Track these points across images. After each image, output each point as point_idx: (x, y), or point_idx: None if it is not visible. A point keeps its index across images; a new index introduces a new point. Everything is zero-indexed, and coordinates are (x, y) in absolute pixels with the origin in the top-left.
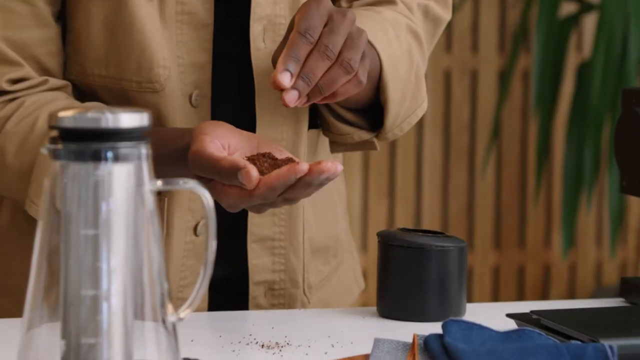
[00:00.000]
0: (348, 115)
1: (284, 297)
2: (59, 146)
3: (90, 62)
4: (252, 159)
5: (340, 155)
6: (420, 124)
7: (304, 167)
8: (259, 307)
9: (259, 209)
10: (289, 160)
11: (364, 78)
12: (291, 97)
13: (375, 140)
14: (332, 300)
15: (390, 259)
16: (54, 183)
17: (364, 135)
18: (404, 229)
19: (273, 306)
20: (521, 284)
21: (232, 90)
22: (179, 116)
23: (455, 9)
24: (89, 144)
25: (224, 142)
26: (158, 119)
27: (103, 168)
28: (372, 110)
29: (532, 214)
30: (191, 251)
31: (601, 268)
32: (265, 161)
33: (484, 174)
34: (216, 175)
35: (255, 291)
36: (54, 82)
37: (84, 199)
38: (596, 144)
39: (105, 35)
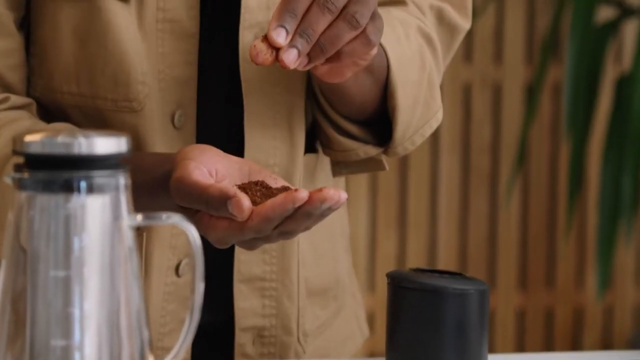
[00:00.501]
0: (352, 128)
1: (274, 346)
2: (25, 175)
3: (59, 77)
4: (243, 188)
5: (342, 180)
6: (435, 144)
7: (303, 194)
8: (246, 356)
9: (251, 245)
10: (284, 189)
11: (374, 37)
12: (290, 57)
13: (383, 157)
14: (331, 350)
15: (401, 303)
16: (19, 217)
17: (371, 150)
18: (417, 269)
19: (262, 356)
20: (550, 329)
21: (219, 109)
22: (160, 139)
23: (476, 14)
24: (59, 172)
25: (210, 168)
26: (136, 142)
27: (75, 200)
28: (379, 124)
29: (563, 249)
30: (172, 294)
31: None
32: (257, 190)
33: (508, 202)
34: (203, 205)
35: (242, 338)
36: (15, 99)
37: (53, 235)
38: (636, 170)
39: (75, 46)
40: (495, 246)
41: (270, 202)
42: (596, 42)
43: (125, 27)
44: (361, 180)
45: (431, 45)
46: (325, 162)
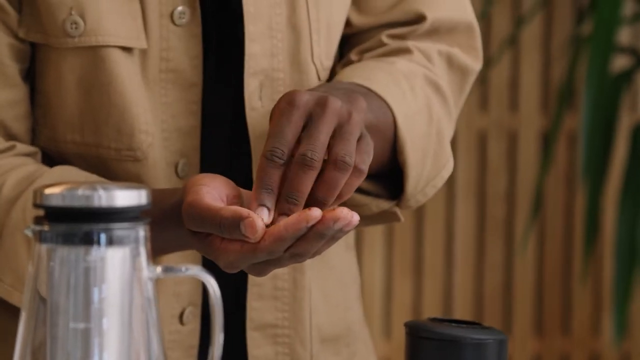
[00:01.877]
0: (364, 184)
1: None
2: (45, 227)
3: (63, 127)
4: None
5: (352, 235)
6: (451, 193)
7: (316, 213)
8: None
9: (262, 270)
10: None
11: (364, 166)
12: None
13: (397, 209)
14: None
15: (419, 353)
16: (38, 269)
17: (383, 204)
18: (434, 319)
19: None
20: None
21: (224, 157)
22: (163, 188)
23: (492, 62)
24: (79, 225)
25: (221, 193)
26: None
27: (95, 252)
28: (390, 176)
29: (579, 296)
30: (176, 342)
31: None
32: None
33: (524, 250)
34: (215, 227)
35: None
36: (21, 148)
37: (73, 287)
38: None
39: (79, 97)
40: (511, 293)
41: (283, 222)
42: (611, 90)
43: (129, 77)
44: (377, 228)
45: (439, 94)
46: None
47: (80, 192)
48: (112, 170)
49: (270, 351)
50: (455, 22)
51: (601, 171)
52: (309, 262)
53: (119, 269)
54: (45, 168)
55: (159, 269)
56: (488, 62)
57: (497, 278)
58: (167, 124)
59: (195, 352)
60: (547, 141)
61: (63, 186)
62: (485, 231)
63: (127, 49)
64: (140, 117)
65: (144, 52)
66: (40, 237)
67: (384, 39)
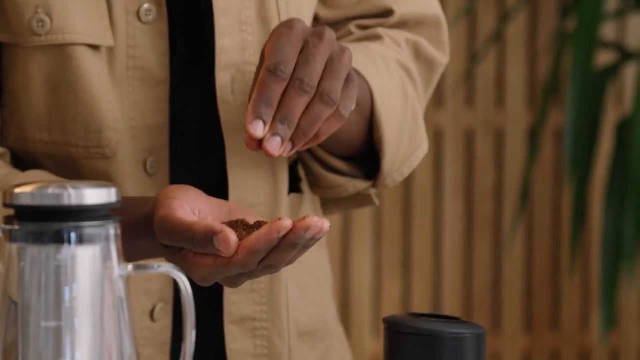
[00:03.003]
0: (339, 164)
1: None
2: (16, 227)
3: (31, 126)
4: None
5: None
6: (439, 190)
7: (287, 223)
8: None
9: (235, 282)
10: (264, 224)
11: (345, 112)
12: (274, 145)
13: (372, 192)
14: None
15: (398, 348)
16: (9, 268)
17: (360, 184)
18: (414, 314)
19: None
20: None
21: (194, 154)
22: (133, 185)
23: (478, 59)
24: (49, 224)
25: (193, 207)
26: None
27: (66, 251)
28: (366, 158)
29: (567, 291)
30: (148, 339)
31: None
32: (239, 227)
33: (512, 246)
34: (188, 242)
35: None
36: None
37: (44, 286)
38: (638, 212)
39: (47, 95)
40: (500, 289)
41: (255, 235)
42: (596, 86)
43: (96, 74)
44: (365, 225)
45: (411, 77)
46: (309, 202)
47: (50, 190)
48: (81, 169)
49: (249, 345)
50: (422, 15)
51: (587, 166)
52: None
53: (89, 268)
54: (17, 172)
55: (130, 267)
56: (474, 59)
57: (486, 274)
58: (135, 122)
59: (167, 349)
60: (534, 137)
61: (33, 185)
62: (473, 228)
63: (94, 47)
64: (109, 114)
65: (110, 50)
66: (11, 237)
67: (353, 29)
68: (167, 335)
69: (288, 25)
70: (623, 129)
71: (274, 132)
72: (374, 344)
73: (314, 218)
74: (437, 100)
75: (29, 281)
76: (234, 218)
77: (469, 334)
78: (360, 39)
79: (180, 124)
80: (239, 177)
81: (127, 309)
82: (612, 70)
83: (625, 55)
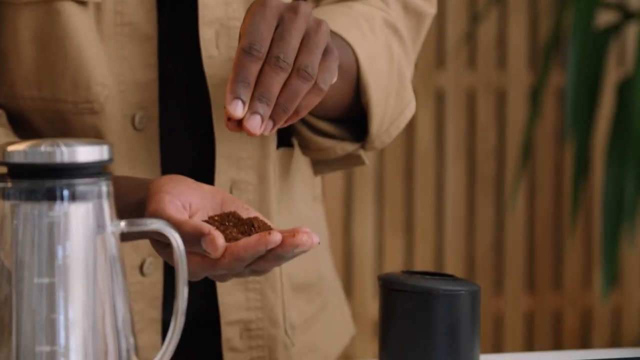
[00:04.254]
0: (327, 127)
1: (262, 339)
2: (8, 184)
3: (20, 83)
4: (215, 220)
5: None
6: (440, 150)
7: (276, 238)
8: (234, 350)
9: (223, 278)
10: (255, 220)
11: (324, 85)
12: (254, 124)
13: (361, 152)
14: (319, 345)
15: (392, 305)
16: (2, 226)
17: (348, 147)
18: (408, 272)
19: (250, 349)
20: (558, 331)
21: (182, 109)
22: (120, 140)
23: (479, 20)
24: (42, 181)
25: (184, 201)
26: None
27: (58, 208)
28: (353, 120)
29: (569, 251)
30: (139, 293)
31: None
32: (230, 221)
33: (514, 206)
34: None
35: (228, 332)
36: None
37: (37, 244)
38: (639, 171)
39: (35, 52)
40: (502, 250)
41: (243, 242)
42: (597, 46)
43: (84, 30)
44: (367, 186)
45: (397, 35)
46: (300, 158)
47: (42, 148)
48: (70, 124)
49: (242, 297)
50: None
51: (588, 126)
52: (277, 210)
53: (82, 224)
54: (14, 137)
55: (122, 224)
56: (475, 20)
57: (488, 235)
58: (124, 77)
59: (159, 303)
60: (535, 97)
61: (26, 143)
62: (475, 188)
63: (81, 3)
64: (97, 69)
65: (98, 6)
66: (4, 194)
67: None
68: (158, 290)
69: (262, 2)
70: (624, 88)
71: (253, 111)
72: (377, 305)
73: (304, 236)
74: (438, 61)
75: (22, 238)
76: (226, 210)
77: (463, 291)
78: None
79: (169, 79)
80: (225, 131)
81: (120, 266)
82: (614, 30)
83: (626, 15)
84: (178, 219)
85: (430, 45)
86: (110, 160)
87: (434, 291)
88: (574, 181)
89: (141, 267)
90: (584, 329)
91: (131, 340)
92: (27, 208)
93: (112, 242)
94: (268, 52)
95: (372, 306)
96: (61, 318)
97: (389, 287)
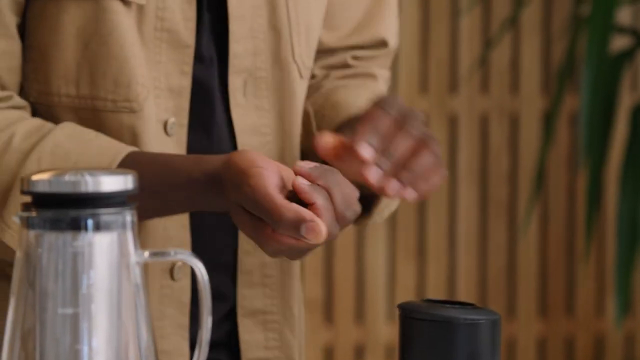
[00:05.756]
0: None
1: None
2: (33, 214)
3: (57, 80)
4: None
5: None
6: (453, 175)
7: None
8: None
9: (300, 254)
10: None
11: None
12: (373, 174)
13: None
14: None
15: (413, 334)
16: (27, 255)
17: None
18: (428, 300)
19: None
20: (571, 357)
21: (210, 121)
22: (152, 143)
23: (492, 44)
24: (66, 211)
25: (279, 175)
26: (134, 143)
27: (83, 238)
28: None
29: (582, 276)
30: (168, 297)
31: None
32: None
33: (526, 231)
34: (272, 221)
35: None
36: (17, 99)
37: (61, 273)
38: None
39: (77, 48)
40: (515, 275)
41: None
42: (611, 70)
43: (128, 31)
44: None
45: None
46: None
47: (67, 178)
48: (106, 123)
49: (261, 337)
50: (393, 51)
51: (602, 151)
52: None
53: (106, 254)
54: (50, 124)
55: (146, 254)
56: (488, 44)
57: (501, 260)
58: (159, 82)
59: (187, 310)
60: (548, 122)
61: (50, 172)
62: (488, 213)
63: (126, 3)
64: (138, 69)
65: (140, 9)
66: (28, 223)
67: (349, 60)
68: (186, 296)
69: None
70: (638, 113)
71: (376, 163)
72: (389, 330)
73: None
74: (452, 86)
75: (46, 268)
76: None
77: (484, 320)
78: (358, 75)
79: (200, 89)
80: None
81: (143, 296)
82: (627, 55)
83: None
84: (278, 201)
85: (444, 69)
86: (135, 189)
87: (455, 320)
88: (587, 206)
89: (171, 271)
90: (596, 355)
91: None
92: (51, 237)
93: (136, 271)
94: (400, 119)
95: (384, 331)
96: (85, 349)
97: (409, 316)
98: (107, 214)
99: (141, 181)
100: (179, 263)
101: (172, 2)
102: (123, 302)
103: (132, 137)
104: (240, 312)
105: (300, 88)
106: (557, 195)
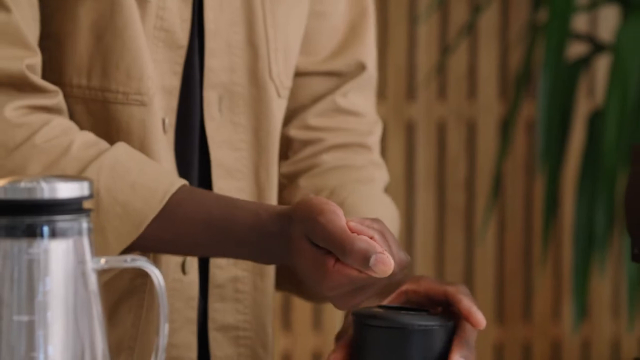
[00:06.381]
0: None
1: None
2: None
3: (70, 71)
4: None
5: None
6: (411, 182)
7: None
8: None
9: (351, 299)
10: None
11: None
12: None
13: None
14: None
15: (366, 340)
16: None
17: None
18: (383, 307)
19: None
20: None
21: (190, 126)
22: (158, 139)
23: (450, 51)
24: (21, 217)
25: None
26: (143, 136)
27: (38, 245)
28: None
29: (539, 282)
30: (177, 291)
31: (619, 344)
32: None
33: (484, 237)
34: (344, 251)
35: None
36: (61, 99)
37: (17, 280)
38: (609, 203)
39: (92, 40)
40: (472, 281)
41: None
42: (568, 77)
43: (139, 25)
44: None
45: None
46: None
47: (22, 184)
48: (115, 116)
49: (233, 352)
50: (374, 78)
51: (559, 157)
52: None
53: (62, 261)
54: (105, 143)
55: (102, 260)
56: (446, 51)
57: (458, 266)
58: (155, 81)
59: (195, 304)
60: (506, 128)
61: (5, 179)
62: (445, 219)
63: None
64: (149, 63)
65: (144, 6)
66: None
67: (339, 99)
68: (195, 290)
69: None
70: (594, 120)
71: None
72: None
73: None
74: (409, 92)
75: (1, 275)
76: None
77: (437, 326)
78: (347, 145)
79: (187, 93)
80: (222, 188)
81: (100, 303)
82: (584, 62)
83: (597, 47)
84: (351, 234)
85: (401, 76)
86: (91, 196)
87: (409, 326)
88: (544, 212)
89: (183, 265)
90: None
91: None
92: (6, 245)
93: (93, 279)
94: None
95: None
96: (41, 356)
97: (363, 322)
98: (63, 221)
99: (199, 213)
100: (189, 257)
101: (171, 2)
102: (79, 309)
103: (142, 131)
104: (211, 325)
105: (277, 106)
106: (515, 201)
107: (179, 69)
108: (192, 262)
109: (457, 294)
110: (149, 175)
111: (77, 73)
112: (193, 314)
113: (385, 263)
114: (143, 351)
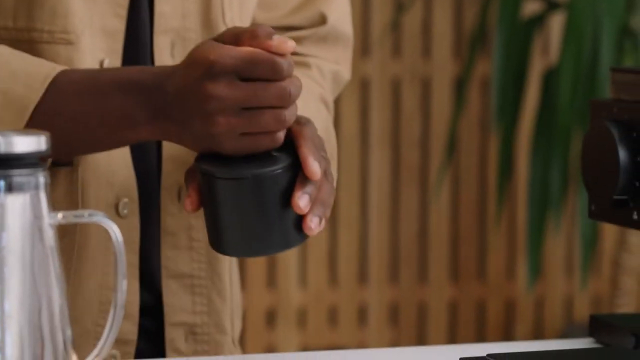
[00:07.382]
0: None
1: (208, 344)
2: None
3: None
4: None
5: None
6: (365, 140)
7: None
8: (178, 352)
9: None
10: None
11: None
12: (314, 223)
13: None
14: None
15: (206, 190)
16: None
17: None
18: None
19: (196, 353)
20: (481, 321)
21: (144, 63)
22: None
23: (404, 8)
24: None
25: None
26: None
27: None
28: None
29: (494, 241)
30: None
31: (572, 303)
32: None
33: (438, 196)
34: (238, 58)
35: (172, 334)
36: None
37: None
38: (564, 161)
39: None
40: (427, 240)
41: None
42: (523, 36)
43: None
44: None
45: (328, 109)
46: None
47: None
48: (42, 55)
49: (187, 300)
50: (340, 33)
51: (513, 115)
52: None
53: (19, 216)
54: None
55: (59, 216)
56: (400, 8)
57: (412, 225)
58: (93, 22)
59: (137, 247)
60: (460, 87)
61: None
62: (399, 178)
63: None
64: (76, 2)
65: None
66: None
67: None
68: (135, 234)
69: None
70: (549, 79)
71: (316, 214)
72: (300, 294)
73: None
74: (364, 50)
75: None
76: None
77: (270, 171)
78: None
79: (134, 37)
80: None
81: (57, 258)
82: (539, 20)
83: (551, 5)
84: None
85: (356, 33)
86: (48, 151)
87: (242, 175)
88: (499, 171)
89: (116, 207)
90: (507, 319)
91: (68, 332)
92: None
93: (50, 234)
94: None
95: (295, 295)
96: None
97: (204, 173)
98: (19, 175)
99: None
100: (124, 200)
101: None
102: (36, 265)
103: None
104: (164, 273)
105: None
106: (469, 160)
107: (122, 11)
108: (132, 207)
109: (300, 137)
110: (30, 63)
111: (3, 16)
112: (135, 258)
113: (285, 41)
114: (76, 293)
